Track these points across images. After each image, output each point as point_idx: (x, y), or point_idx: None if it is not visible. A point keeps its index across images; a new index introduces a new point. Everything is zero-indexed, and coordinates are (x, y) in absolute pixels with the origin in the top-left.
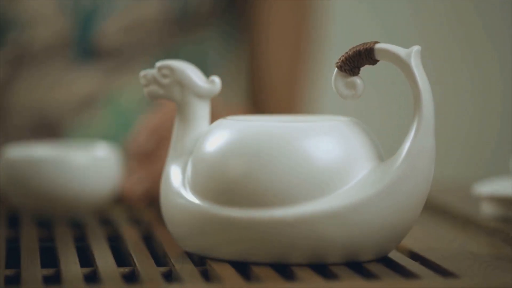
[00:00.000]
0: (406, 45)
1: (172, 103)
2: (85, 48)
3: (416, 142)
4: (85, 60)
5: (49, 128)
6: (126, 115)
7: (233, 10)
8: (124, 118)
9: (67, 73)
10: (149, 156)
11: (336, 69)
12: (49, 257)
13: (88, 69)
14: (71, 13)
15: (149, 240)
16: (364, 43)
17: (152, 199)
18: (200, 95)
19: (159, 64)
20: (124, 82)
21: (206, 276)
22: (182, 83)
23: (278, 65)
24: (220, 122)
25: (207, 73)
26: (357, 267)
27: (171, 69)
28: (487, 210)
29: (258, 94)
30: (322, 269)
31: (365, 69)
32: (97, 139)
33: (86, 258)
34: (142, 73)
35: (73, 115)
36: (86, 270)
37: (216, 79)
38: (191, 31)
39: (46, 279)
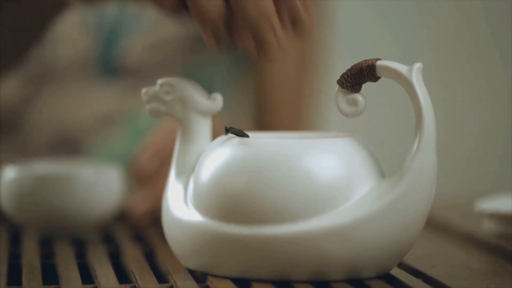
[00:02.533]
0: (410, 61)
1: (175, 122)
2: (108, 66)
3: (417, 159)
4: (108, 78)
5: (68, 146)
6: (144, 134)
7: None
8: (142, 137)
9: (89, 91)
10: (152, 177)
11: (337, 86)
12: (51, 274)
13: (110, 88)
14: (95, 31)
15: (150, 257)
16: (365, 60)
17: (155, 217)
18: (201, 112)
19: (160, 81)
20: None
21: None
22: (183, 100)
23: (282, 83)
24: (221, 139)
25: (216, 91)
26: (359, 284)
27: (172, 86)
28: (489, 227)
29: (263, 112)
30: (324, 286)
31: (367, 86)
32: (114, 158)
33: (87, 275)
34: (144, 90)
35: (93, 133)
36: (88, 287)
37: (218, 96)
38: (206, 51)
39: None
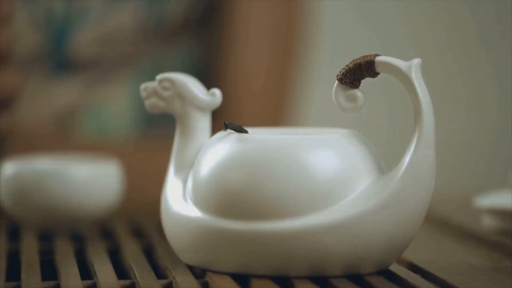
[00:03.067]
0: (403, 57)
1: None
2: (60, 61)
3: (416, 154)
4: (62, 73)
5: (27, 144)
6: (105, 128)
7: (210, 18)
8: (103, 131)
9: (44, 86)
10: None
11: (336, 82)
12: (50, 270)
13: (66, 82)
14: (43, 26)
15: (149, 253)
16: (364, 56)
17: None
18: (200, 107)
19: (159, 76)
20: (103, 94)
21: None
22: (182, 96)
23: (258, 73)
24: (220, 134)
25: None
26: (358, 279)
27: (171, 81)
28: (488, 222)
29: (235, 106)
30: (323, 281)
31: (366, 81)
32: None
33: (86, 271)
34: (143, 86)
35: (52, 128)
36: (87, 283)
37: (217, 92)
38: (169, 41)
39: None
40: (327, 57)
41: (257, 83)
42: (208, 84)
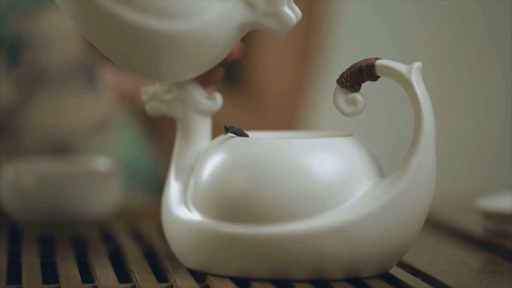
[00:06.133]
0: (409, 60)
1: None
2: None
3: (417, 158)
4: (101, 83)
5: (61, 151)
6: (139, 140)
7: None
8: (139, 143)
9: (82, 96)
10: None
11: (337, 85)
12: (51, 273)
13: (104, 92)
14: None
15: (150, 256)
16: (365, 59)
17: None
18: (201, 111)
19: None
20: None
21: None
22: (183, 100)
23: (277, 78)
24: (221, 138)
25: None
26: (359, 283)
27: (172, 85)
28: (488, 225)
29: (257, 107)
30: (323, 285)
31: (366, 85)
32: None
33: (87, 274)
34: (144, 89)
35: (86, 138)
36: (88, 286)
37: (218, 95)
38: None
39: None
40: (343, 61)
41: (277, 84)
42: (232, 84)
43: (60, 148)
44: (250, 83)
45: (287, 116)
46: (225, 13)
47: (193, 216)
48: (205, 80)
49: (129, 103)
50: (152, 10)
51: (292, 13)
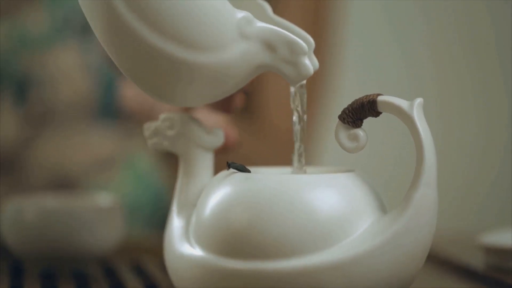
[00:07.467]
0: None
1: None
2: (108, 109)
3: (418, 194)
4: (107, 120)
5: (66, 188)
6: (145, 178)
7: None
8: (143, 181)
9: (88, 133)
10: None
11: (338, 121)
12: None
13: (110, 131)
14: (95, 72)
15: None
16: (366, 95)
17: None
18: (204, 147)
19: (163, 116)
20: (144, 144)
21: None
22: (186, 135)
23: (281, 116)
24: (223, 174)
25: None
26: None
27: (174, 121)
28: (490, 261)
29: (261, 142)
30: None
31: (368, 120)
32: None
33: None
34: (146, 125)
35: (92, 176)
36: None
37: (219, 131)
38: None
39: None
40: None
41: (282, 122)
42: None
43: (64, 184)
44: (256, 118)
45: (291, 150)
46: (247, 53)
47: (195, 251)
48: (225, 106)
49: (146, 118)
50: (179, 39)
51: (311, 65)
